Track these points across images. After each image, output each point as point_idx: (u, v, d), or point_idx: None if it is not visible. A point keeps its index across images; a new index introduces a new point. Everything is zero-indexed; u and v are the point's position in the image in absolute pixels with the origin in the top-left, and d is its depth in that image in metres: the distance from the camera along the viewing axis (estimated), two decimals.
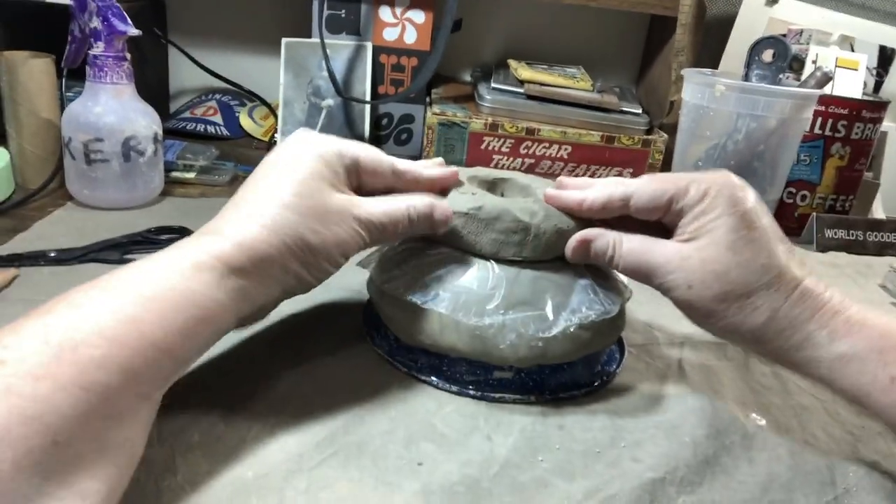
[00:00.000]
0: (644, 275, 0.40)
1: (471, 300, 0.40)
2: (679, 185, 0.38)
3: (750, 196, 0.38)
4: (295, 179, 0.35)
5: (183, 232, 0.59)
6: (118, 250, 0.54)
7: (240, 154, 0.83)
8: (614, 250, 0.40)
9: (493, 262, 0.41)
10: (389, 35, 0.85)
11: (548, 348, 0.39)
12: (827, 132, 0.77)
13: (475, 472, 0.34)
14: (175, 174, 0.72)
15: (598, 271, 0.44)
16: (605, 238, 0.40)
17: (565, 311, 0.40)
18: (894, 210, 0.86)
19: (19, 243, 0.54)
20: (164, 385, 0.31)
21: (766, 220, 0.38)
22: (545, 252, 0.41)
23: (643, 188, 0.39)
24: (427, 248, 0.43)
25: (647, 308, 0.51)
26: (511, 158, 0.78)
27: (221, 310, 0.32)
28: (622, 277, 0.45)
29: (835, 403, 0.44)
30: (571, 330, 0.40)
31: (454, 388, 0.40)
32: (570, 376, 0.42)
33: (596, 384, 0.43)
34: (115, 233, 0.56)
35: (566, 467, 0.35)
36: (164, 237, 0.58)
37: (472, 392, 0.40)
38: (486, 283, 0.40)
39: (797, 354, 0.37)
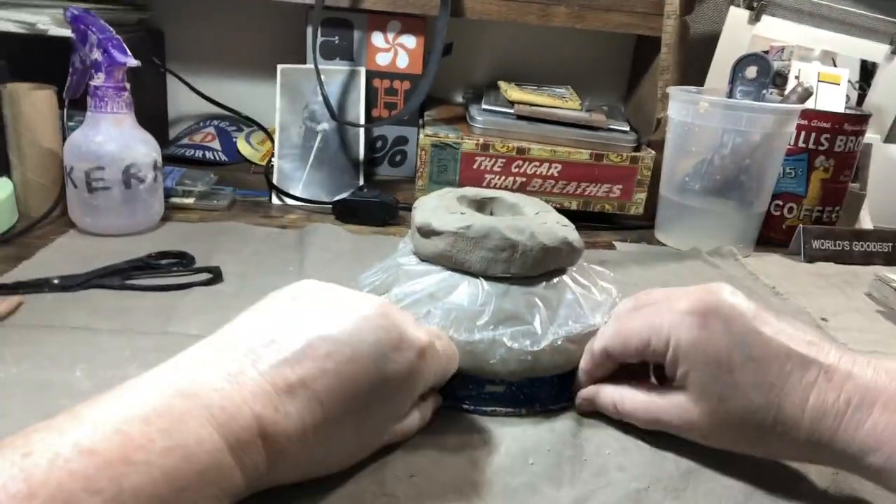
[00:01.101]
0: (658, 429, 0.39)
1: (461, 317, 0.41)
2: (642, 335, 0.38)
3: (716, 335, 0.35)
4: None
5: (183, 256, 0.60)
6: (120, 276, 0.56)
7: (238, 179, 0.85)
8: (616, 408, 0.40)
9: (482, 279, 0.43)
10: (382, 60, 0.87)
11: (537, 361, 0.41)
12: (811, 145, 0.79)
13: (467, 478, 0.35)
14: (175, 200, 0.74)
15: (584, 285, 0.45)
16: (605, 396, 0.41)
17: (553, 325, 0.42)
18: (882, 220, 0.88)
19: (23, 271, 0.56)
20: None
21: (756, 352, 0.34)
22: (532, 268, 0.43)
23: (612, 340, 0.40)
24: (419, 267, 0.45)
25: None
26: (503, 177, 0.79)
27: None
28: (612, 290, 0.47)
29: None
30: (559, 343, 0.41)
31: (448, 403, 0.42)
32: (560, 388, 0.43)
33: None
34: (116, 259, 0.58)
35: (555, 473, 0.36)
36: (164, 262, 0.59)
37: (465, 406, 0.42)
38: (475, 299, 0.42)
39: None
